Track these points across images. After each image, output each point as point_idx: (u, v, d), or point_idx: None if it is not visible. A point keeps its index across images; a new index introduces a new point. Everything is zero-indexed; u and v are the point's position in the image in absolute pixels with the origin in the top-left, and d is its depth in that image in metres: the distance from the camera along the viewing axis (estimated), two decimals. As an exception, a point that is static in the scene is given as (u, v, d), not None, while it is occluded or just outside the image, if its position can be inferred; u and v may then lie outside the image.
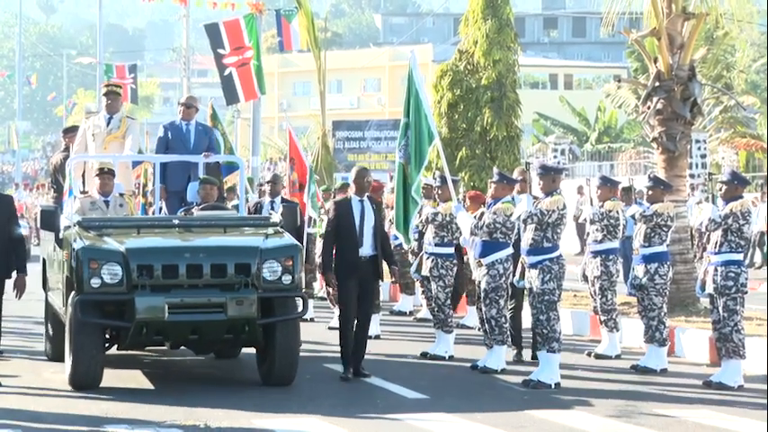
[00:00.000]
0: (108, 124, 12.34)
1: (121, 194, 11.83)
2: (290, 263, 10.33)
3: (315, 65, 30.87)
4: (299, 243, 10.86)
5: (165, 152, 12.48)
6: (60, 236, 10.92)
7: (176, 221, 11.08)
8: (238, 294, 10.12)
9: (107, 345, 10.48)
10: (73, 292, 10.15)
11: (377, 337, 13.95)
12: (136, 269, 10.01)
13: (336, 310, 14.59)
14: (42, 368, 11.60)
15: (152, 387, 10.85)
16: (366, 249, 11.12)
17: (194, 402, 9.98)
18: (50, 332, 11.88)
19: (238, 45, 18.97)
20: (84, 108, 53.02)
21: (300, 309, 10.49)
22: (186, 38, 45.95)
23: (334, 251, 11.21)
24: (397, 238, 14.50)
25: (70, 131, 13.38)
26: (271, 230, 10.91)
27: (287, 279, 10.32)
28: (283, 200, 14.18)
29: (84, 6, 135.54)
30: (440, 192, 12.99)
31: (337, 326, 13.37)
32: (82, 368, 10.12)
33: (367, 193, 11.31)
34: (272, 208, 13.82)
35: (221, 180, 13.26)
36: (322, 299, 16.90)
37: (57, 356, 11.44)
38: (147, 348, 11.81)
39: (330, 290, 14.41)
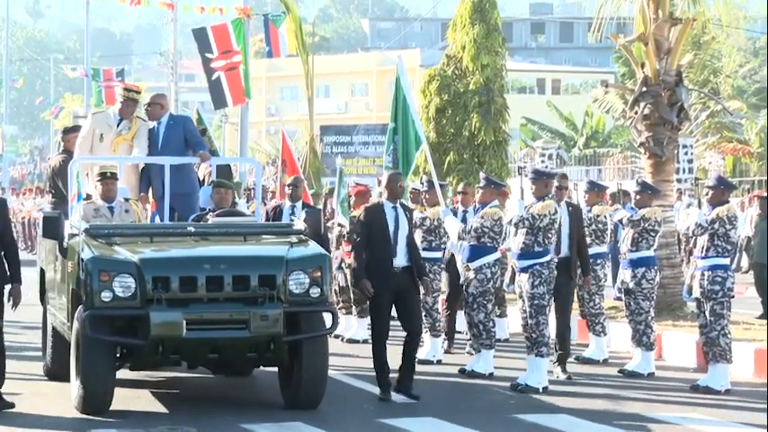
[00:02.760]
0: (118, 125, 11.42)
1: (127, 200, 10.94)
2: (319, 274, 9.47)
3: (302, 69, 30.83)
4: (327, 252, 10.16)
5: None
6: (65, 244, 10.05)
7: (192, 229, 10.13)
8: (262, 309, 9.23)
9: (118, 364, 9.60)
10: (81, 307, 9.30)
11: (365, 341, 13.95)
12: (151, 281, 9.15)
13: (355, 321, 14.30)
14: (37, 380, 11.51)
15: (143, 393, 10.79)
16: (400, 260, 10.27)
17: (183, 407, 9.98)
18: (50, 349, 10.98)
19: (226, 49, 18.95)
20: (72, 112, 52.89)
21: (330, 324, 9.65)
22: (174, 42, 45.90)
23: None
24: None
25: (70, 132, 12.43)
26: (294, 238, 10.04)
27: (315, 292, 9.45)
28: (305, 205, 13.32)
29: (72, 11, 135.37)
30: (427, 196, 13.00)
31: (355, 337, 13.15)
32: (92, 391, 9.27)
33: (400, 200, 10.51)
34: (293, 213, 13.01)
35: (233, 182, 12.28)
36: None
37: (57, 375, 10.73)
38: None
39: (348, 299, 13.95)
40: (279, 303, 9.31)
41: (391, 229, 10.26)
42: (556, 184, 11.75)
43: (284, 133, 16.92)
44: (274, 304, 9.28)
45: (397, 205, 10.39)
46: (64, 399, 10.03)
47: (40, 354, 11.82)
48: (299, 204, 13.28)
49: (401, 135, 12.55)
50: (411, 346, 10.34)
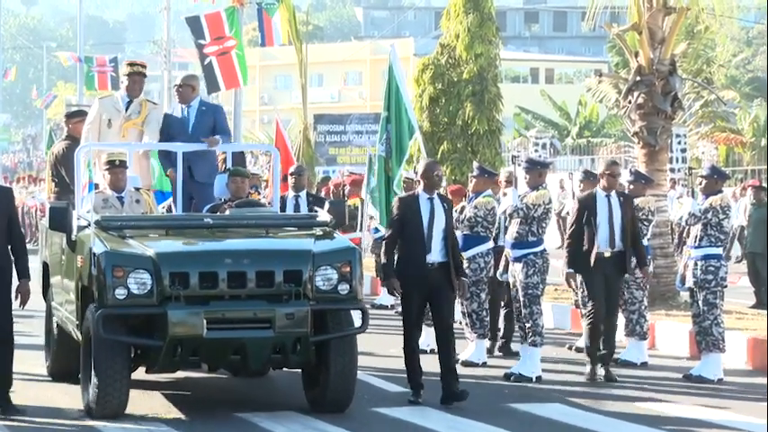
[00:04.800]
0: (127, 109, 10.77)
1: (138, 189, 10.26)
2: (348, 269, 8.87)
3: (296, 58, 30.89)
4: (356, 246, 9.46)
5: (165, 140, 10.74)
6: (73, 237, 9.38)
7: (209, 221, 9.46)
8: (288, 307, 8.64)
9: (132, 366, 8.95)
10: (92, 305, 8.71)
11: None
12: (168, 277, 8.53)
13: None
14: (32, 363, 11.43)
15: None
16: (435, 255, 9.53)
17: (176, 397, 9.97)
18: (54, 348, 10.43)
19: (219, 35, 18.94)
20: (65, 101, 52.78)
21: (360, 323, 8.99)
22: (167, 30, 45.83)
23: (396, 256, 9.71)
24: (378, 231, 14.51)
25: (74, 116, 11.63)
26: (319, 231, 9.44)
27: (344, 288, 8.86)
28: (309, 195, 12.84)
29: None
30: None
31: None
32: (105, 395, 8.64)
33: (437, 191, 9.76)
34: (297, 203, 12.56)
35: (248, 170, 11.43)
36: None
37: (62, 376, 10.27)
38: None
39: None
40: (305, 301, 8.73)
41: (425, 222, 9.53)
42: (607, 171, 10.89)
43: (278, 122, 16.90)
44: (301, 302, 8.69)
45: (434, 196, 9.66)
46: (57, 391, 10.02)
47: (39, 346, 11.41)
48: (303, 194, 12.81)
49: (394, 124, 12.55)
50: (444, 348, 9.60)
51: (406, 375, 9.83)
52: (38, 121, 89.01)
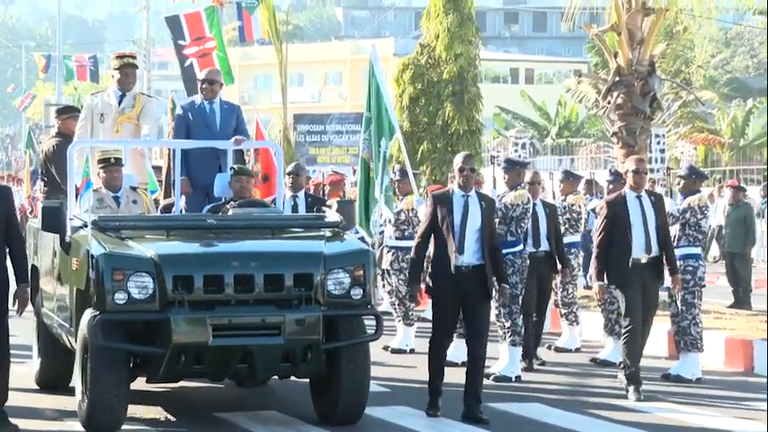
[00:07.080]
0: (120, 103, 10.26)
1: (134, 188, 9.79)
2: (361, 272, 8.42)
3: (276, 58, 30.91)
4: (370, 248, 9.11)
5: (185, 138, 10.13)
6: (67, 238, 8.91)
7: (213, 221, 8.98)
8: (298, 312, 8.21)
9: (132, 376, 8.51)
10: (89, 310, 8.22)
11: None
12: (171, 281, 8.06)
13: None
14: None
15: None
16: (468, 257, 8.94)
17: (154, 398, 9.96)
18: (44, 355, 9.99)
19: (199, 36, 18.92)
20: (44, 100, 52.57)
21: (374, 330, 8.57)
22: (146, 30, 45.73)
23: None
24: (357, 231, 14.48)
25: (65, 113, 11.21)
26: (328, 232, 8.96)
27: (357, 293, 8.40)
28: (308, 195, 12.44)
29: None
30: (400, 185, 13.00)
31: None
32: (102, 406, 8.15)
33: (475, 188, 9.19)
34: (295, 204, 12.15)
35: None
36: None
37: (51, 384, 9.88)
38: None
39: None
40: (316, 306, 8.29)
41: (457, 221, 8.94)
42: (634, 168, 10.11)
43: (258, 122, 16.85)
44: (311, 307, 8.26)
45: (471, 194, 9.04)
46: (39, 396, 9.99)
47: (21, 346, 10.94)
48: (301, 194, 12.37)
49: (375, 124, 12.56)
50: (474, 360, 9.02)
51: (393, 377, 9.77)
52: (16, 120, 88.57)
